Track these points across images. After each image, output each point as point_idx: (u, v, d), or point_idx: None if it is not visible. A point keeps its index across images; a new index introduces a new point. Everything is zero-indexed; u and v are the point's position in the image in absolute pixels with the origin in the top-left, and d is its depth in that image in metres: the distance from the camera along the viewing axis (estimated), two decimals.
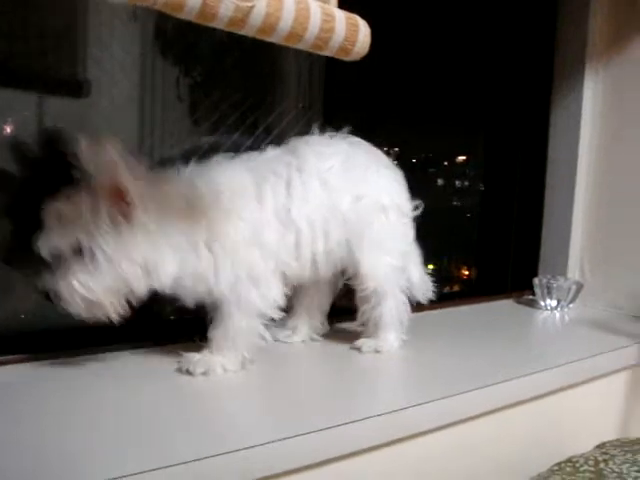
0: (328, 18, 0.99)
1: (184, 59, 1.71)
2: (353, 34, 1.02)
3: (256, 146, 1.74)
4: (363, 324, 1.49)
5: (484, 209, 2.29)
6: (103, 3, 1.51)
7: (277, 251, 1.30)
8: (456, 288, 2.29)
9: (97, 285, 1.14)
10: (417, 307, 1.51)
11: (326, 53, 1.01)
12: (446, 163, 2.26)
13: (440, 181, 2.24)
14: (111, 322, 1.20)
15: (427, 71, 2.03)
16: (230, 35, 0.95)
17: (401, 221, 1.45)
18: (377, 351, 1.44)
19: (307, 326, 1.54)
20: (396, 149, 2.01)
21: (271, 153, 1.38)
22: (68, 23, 1.54)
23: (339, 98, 1.82)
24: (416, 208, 1.51)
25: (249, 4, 0.89)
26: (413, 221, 1.51)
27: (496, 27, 2.19)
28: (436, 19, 2.02)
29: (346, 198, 1.36)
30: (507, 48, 2.21)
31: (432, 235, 2.03)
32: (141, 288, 1.19)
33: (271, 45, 1.00)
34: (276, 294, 1.29)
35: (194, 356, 1.27)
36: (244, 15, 0.90)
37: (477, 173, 2.29)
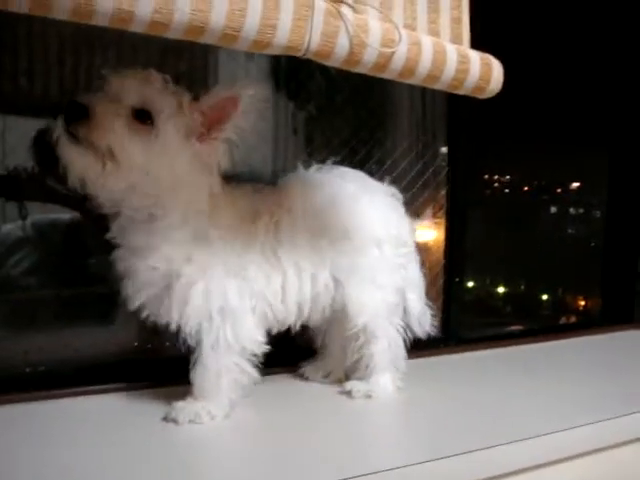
0: (463, 60, 1.02)
1: (299, 94, 1.76)
2: (487, 73, 1.05)
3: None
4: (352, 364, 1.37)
5: (606, 236, 2.24)
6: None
7: (261, 290, 1.22)
8: (573, 319, 2.25)
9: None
10: (542, 337, 1.49)
11: (462, 92, 1.05)
12: (560, 190, 2.24)
13: (555, 208, 2.22)
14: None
15: (545, 96, 2.03)
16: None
17: (398, 253, 1.36)
18: (368, 396, 1.31)
19: (342, 367, 1.42)
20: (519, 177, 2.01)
21: (267, 190, 1.31)
22: (196, 64, 1.62)
23: (461, 128, 1.82)
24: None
25: (391, 50, 0.93)
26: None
27: (618, 48, 2.16)
28: (556, 43, 2.02)
29: (335, 235, 1.28)
30: (631, 70, 2.18)
31: (549, 265, 2.01)
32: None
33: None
34: (252, 332, 1.19)
35: (179, 403, 1.17)
36: (386, 60, 0.94)
37: (596, 199, 2.26)
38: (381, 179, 1.80)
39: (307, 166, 1.39)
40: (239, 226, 1.20)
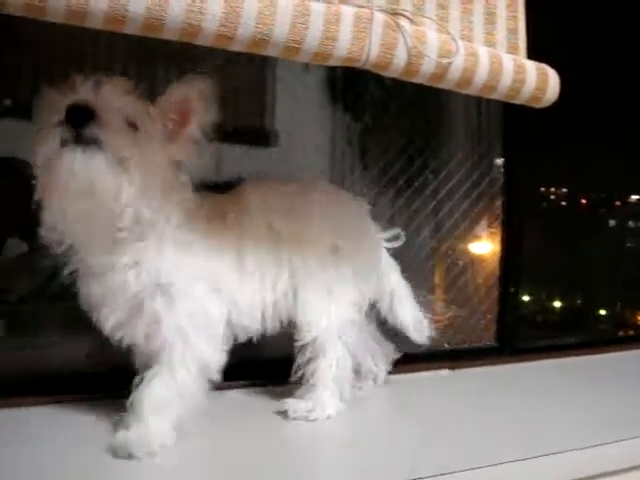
0: (520, 70, 1.04)
1: (355, 104, 1.79)
2: (543, 83, 1.06)
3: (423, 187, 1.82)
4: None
5: None
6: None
7: (231, 297, 1.16)
8: (630, 332, 2.21)
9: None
10: (599, 349, 1.47)
11: (518, 102, 1.06)
12: (619, 202, 2.21)
13: (614, 221, 2.20)
14: None
15: (603, 107, 2.01)
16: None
17: (360, 263, 1.28)
18: (307, 418, 1.19)
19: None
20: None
21: (227, 193, 1.24)
22: (256, 77, 1.67)
23: (519, 139, 1.82)
24: (396, 239, 1.38)
25: (448, 61, 0.95)
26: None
27: None
28: (615, 52, 2.00)
29: (293, 241, 1.21)
30: None
31: (606, 277, 1.99)
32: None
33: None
34: (221, 346, 1.11)
35: (124, 434, 1.01)
36: (443, 71, 0.97)
37: None
38: (437, 190, 1.83)
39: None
40: (209, 229, 1.13)
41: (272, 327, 1.22)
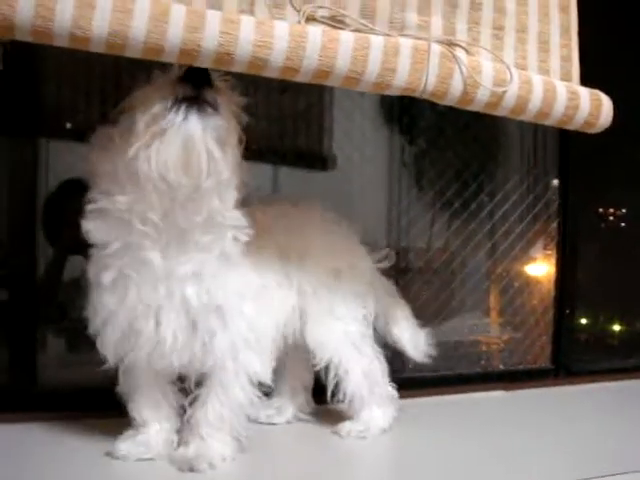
0: (573, 96, 1.07)
1: (410, 128, 1.82)
2: (597, 109, 1.09)
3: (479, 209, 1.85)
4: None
5: None
6: None
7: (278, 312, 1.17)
8: None
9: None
10: None
11: (571, 127, 1.09)
12: None
13: None
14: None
15: None
16: None
17: (356, 282, 1.27)
18: (360, 437, 1.23)
19: (292, 405, 1.34)
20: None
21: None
22: (314, 102, 1.72)
23: (575, 161, 1.83)
24: (385, 258, 1.36)
25: (503, 89, 0.99)
26: None
27: None
28: None
29: (300, 261, 1.20)
30: None
31: None
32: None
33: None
34: (270, 362, 1.12)
35: (184, 450, 1.06)
36: (498, 99, 1.00)
37: None
38: (493, 211, 1.86)
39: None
40: (253, 243, 1.09)
41: (280, 349, 1.20)
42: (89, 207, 1.01)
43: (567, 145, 1.78)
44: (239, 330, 1.05)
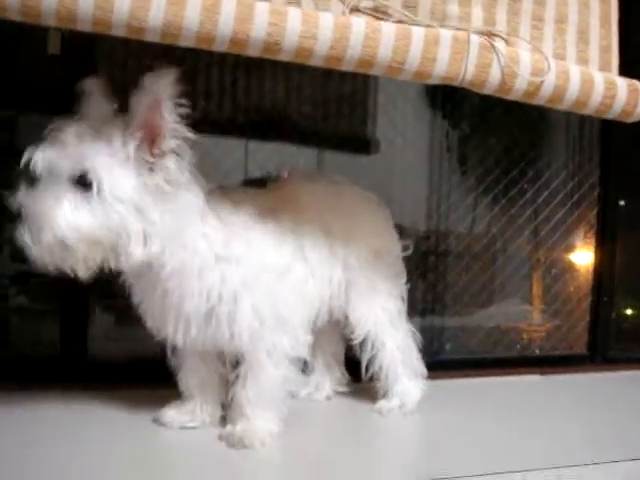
0: (610, 86, 1.09)
1: (453, 113, 1.84)
2: (634, 98, 1.11)
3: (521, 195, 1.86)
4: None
5: None
6: None
7: (301, 290, 1.16)
8: None
9: (84, 224, 0.94)
10: None
11: (609, 117, 1.11)
12: None
13: None
14: (69, 279, 1.00)
15: None
16: None
17: (394, 261, 1.32)
18: (400, 413, 1.28)
19: (329, 380, 1.39)
20: None
21: (266, 190, 1.24)
22: (359, 88, 1.76)
23: (617, 149, 1.83)
24: (406, 249, 1.37)
25: (540, 79, 1.02)
26: None
27: None
28: None
29: (344, 238, 1.23)
30: None
31: None
32: (129, 252, 0.97)
33: None
34: (304, 336, 1.14)
35: (231, 428, 1.10)
36: (536, 89, 1.03)
37: None
38: (534, 197, 1.87)
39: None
40: (265, 224, 1.12)
41: (322, 323, 1.23)
42: None
43: (609, 133, 1.78)
44: (257, 311, 1.07)
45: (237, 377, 1.10)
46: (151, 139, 0.96)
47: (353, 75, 1.65)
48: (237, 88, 1.60)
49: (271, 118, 1.64)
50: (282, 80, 1.63)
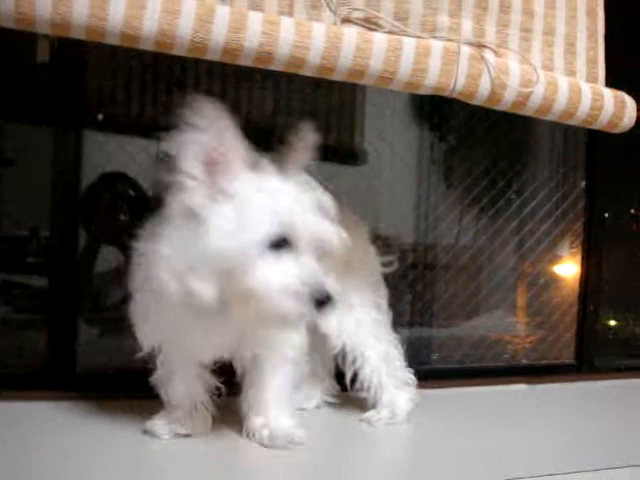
0: (598, 97, 1.11)
1: (440, 125, 1.86)
2: (621, 110, 1.12)
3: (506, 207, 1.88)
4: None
5: None
6: None
7: None
8: None
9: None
10: None
11: (596, 127, 1.13)
12: None
13: None
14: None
15: None
16: None
17: (368, 273, 1.31)
18: (390, 423, 1.27)
19: (319, 390, 1.38)
20: None
21: None
22: (347, 99, 1.77)
23: (602, 160, 1.84)
24: (389, 264, 1.36)
25: (529, 90, 1.03)
26: None
27: None
28: None
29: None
30: None
31: None
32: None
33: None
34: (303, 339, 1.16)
35: (263, 426, 1.12)
36: (524, 99, 1.05)
37: None
38: (520, 209, 1.89)
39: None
40: None
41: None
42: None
43: (594, 145, 1.80)
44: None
45: (247, 382, 1.14)
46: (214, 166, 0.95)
47: (341, 86, 1.67)
48: (226, 99, 1.60)
49: (258, 129, 1.64)
50: (270, 90, 1.64)
